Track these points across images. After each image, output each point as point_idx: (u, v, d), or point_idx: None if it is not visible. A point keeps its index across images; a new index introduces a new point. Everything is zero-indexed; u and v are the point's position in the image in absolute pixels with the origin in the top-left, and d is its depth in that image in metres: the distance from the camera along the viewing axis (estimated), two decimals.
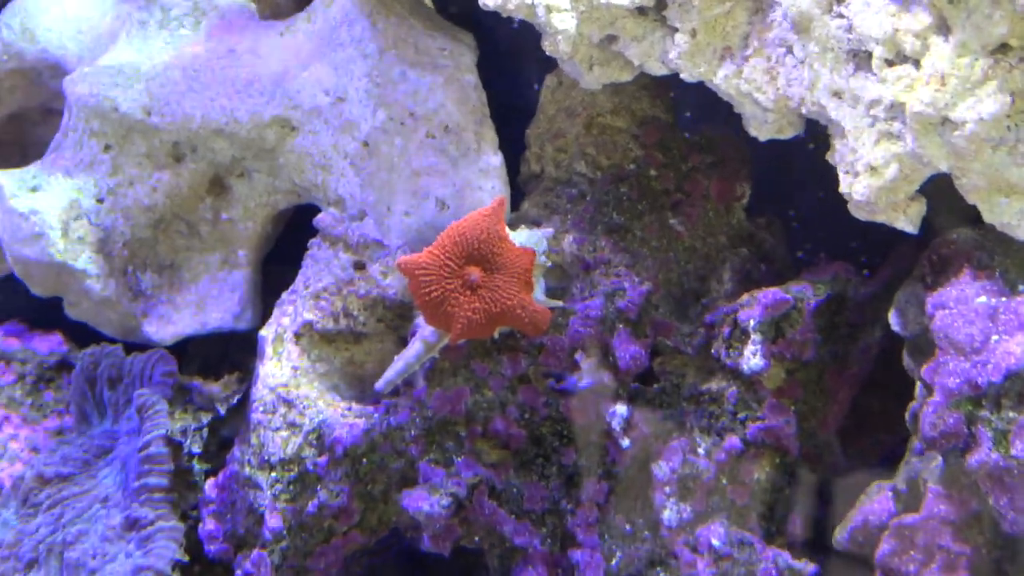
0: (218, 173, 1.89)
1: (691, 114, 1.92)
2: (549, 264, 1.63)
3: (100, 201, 1.86)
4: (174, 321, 1.89)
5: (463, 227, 1.56)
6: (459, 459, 1.62)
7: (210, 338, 1.95)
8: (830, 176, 1.57)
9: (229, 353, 1.99)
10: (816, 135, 1.64)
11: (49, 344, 2.05)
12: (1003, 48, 1.36)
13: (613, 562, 1.59)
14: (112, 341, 1.91)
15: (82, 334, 1.97)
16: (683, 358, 1.68)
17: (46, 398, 1.98)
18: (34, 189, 1.85)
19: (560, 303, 1.62)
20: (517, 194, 1.87)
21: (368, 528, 1.65)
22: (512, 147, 1.88)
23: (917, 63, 1.40)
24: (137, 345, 1.90)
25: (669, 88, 1.83)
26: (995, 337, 1.41)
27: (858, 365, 1.68)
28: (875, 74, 1.43)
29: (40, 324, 2.14)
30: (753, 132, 1.63)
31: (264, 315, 1.90)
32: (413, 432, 1.62)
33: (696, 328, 1.70)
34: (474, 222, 1.55)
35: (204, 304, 1.90)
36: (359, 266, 1.74)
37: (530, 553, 1.60)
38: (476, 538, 1.63)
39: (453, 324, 1.53)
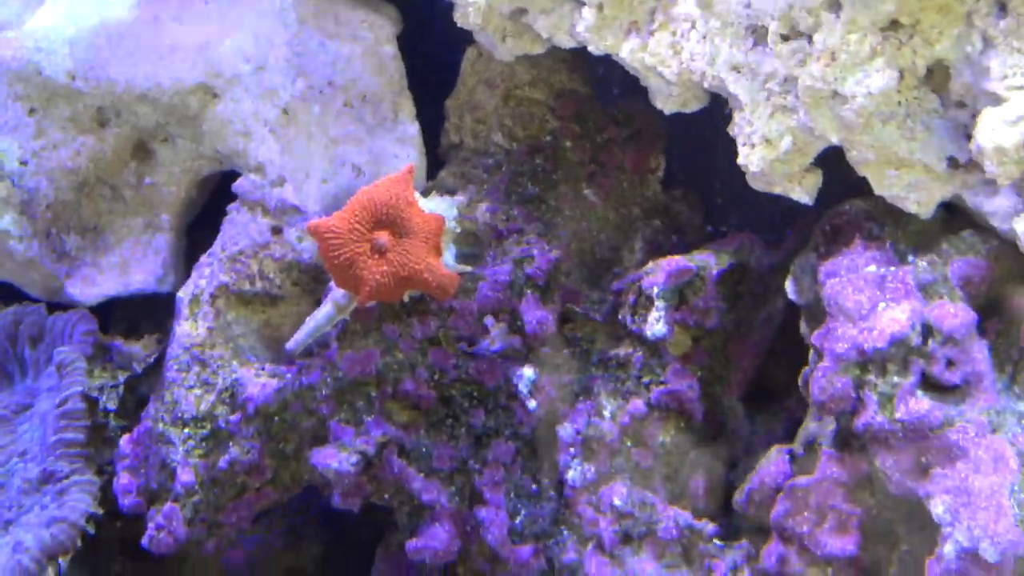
0: (142, 138, 1.90)
1: (617, 89, 1.95)
2: (459, 231, 1.66)
3: (24, 163, 1.87)
4: (97, 283, 1.91)
5: (373, 192, 1.58)
6: (369, 419, 1.64)
7: (136, 301, 1.96)
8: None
9: (154, 316, 2.00)
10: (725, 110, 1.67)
11: None
12: (893, 25, 1.40)
13: (517, 520, 1.63)
14: (37, 301, 1.92)
15: (7, 295, 1.98)
16: (593, 324, 1.72)
17: None
18: None
19: (469, 268, 1.65)
20: (437, 164, 1.90)
21: (281, 485, 1.68)
22: (434, 119, 1.91)
23: (810, 39, 1.44)
24: (61, 306, 1.91)
25: (587, 61, 1.86)
26: (882, 305, 1.46)
27: (761, 333, 1.72)
28: (771, 49, 1.47)
29: None
30: (659, 105, 1.67)
31: (184, 279, 1.92)
32: (324, 392, 1.64)
33: (605, 296, 1.73)
34: (384, 187, 1.58)
35: (127, 266, 1.91)
36: (276, 230, 1.77)
37: (437, 510, 1.63)
38: (385, 495, 1.66)
39: (361, 286, 1.56)
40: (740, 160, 1.55)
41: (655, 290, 1.64)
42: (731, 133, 1.59)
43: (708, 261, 1.67)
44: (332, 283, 1.66)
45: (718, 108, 1.67)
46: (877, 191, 1.49)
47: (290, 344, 1.62)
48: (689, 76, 1.59)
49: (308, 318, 1.63)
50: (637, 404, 1.64)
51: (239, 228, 1.76)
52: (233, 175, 1.91)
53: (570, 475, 1.64)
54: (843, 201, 1.59)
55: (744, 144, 1.55)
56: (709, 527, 1.61)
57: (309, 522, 2.00)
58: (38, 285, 1.92)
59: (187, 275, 1.92)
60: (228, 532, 1.68)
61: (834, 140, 1.47)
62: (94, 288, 1.91)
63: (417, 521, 1.66)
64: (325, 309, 1.62)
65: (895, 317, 1.43)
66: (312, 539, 1.99)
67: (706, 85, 1.59)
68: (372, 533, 1.95)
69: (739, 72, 1.54)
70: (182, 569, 1.87)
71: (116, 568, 1.80)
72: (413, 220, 1.57)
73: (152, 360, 1.78)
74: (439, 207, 1.64)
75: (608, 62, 1.73)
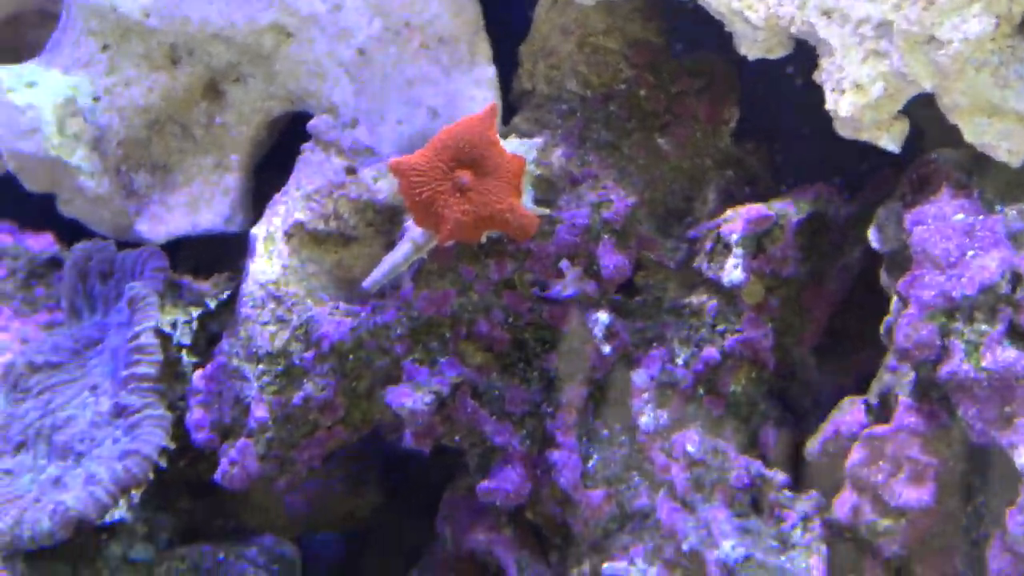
0: (214, 77, 1.89)
1: (684, 41, 1.93)
2: (538, 173, 1.65)
3: (96, 100, 1.87)
4: (166, 221, 1.91)
5: (455, 130, 1.57)
6: (443, 359, 1.64)
7: (202, 241, 1.96)
8: (814, 106, 1.59)
9: (221, 257, 2.00)
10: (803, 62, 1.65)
11: (41, 243, 2.06)
12: None
13: (590, 464, 1.62)
14: (104, 239, 1.92)
15: (75, 233, 1.98)
16: (665, 272, 1.71)
17: (37, 293, 1.99)
18: (31, 84, 1.86)
19: (547, 211, 1.63)
20: (509, 110, 1.88)
21: (352, 424, 1.68)
22: (506, 65, 1.90)
23: None
24: (129, 244, 1.91)
25: (661, 12, 1.84)
26: (971, 252, 1.44)
27: (836, 284, 1.71)
28: None
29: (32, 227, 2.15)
30: (743, 51, 1.65)
31: (255, 220, 1.92)
32: (399, 331, 1.64)
33: (679, 243, 1.72)
34: (466, 126, 1.57)
35: (196, 205, 1.91)
36: (350, 171, 1.76)
37: (509, 452, 1.63)
38: (456, 437, 1.65)
39: (442, 225, 1.55)
40: (828, 106, 1.54)
41: (734, 237, 1.63)
42: (817, 80, 1.57)
43: (787, 210, 1.65)
44: (408, 223, 1.65)
45: (789, 60, 1.66)
46: (968, 139, 1.47)
47: (367, 282, 1.61)
48: (776, 21, 1.58)
49: (385, 257, 1.62)
50: (711, 352, 1.63)
51: (314, 167, 1.75)
52: (302, 116, 1.90)
53: (643, 420, 1.63)
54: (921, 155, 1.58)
55: (833, 90, 1.53)
56: (780, 476, 1.60)
57: (368, 470, 2.00)
58: (107, 223, 1.92)
59: (254, 216, 1.91)
60: (299, 470, 1.68)
61: (927, 86, 1.45)
62: (163, 226, 1.91)
63: (488, 463, 1.65)
64: (403, 248, 1.61)
65: (984, 265, 1.42)
66: (371, 486, 1.99)
67: (793, 30, 1.57)
68: (431, 482, 1.95)
69: (830, 17, 1.52)
70: (244, 510, 1.87)
71: (182, 504, 1.80)
72: (495, 160, 1.56)
73: (225, 297, 1.78)
74: (519, 148, 1.63)
75: (681, 13, 1.71)
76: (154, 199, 1.91)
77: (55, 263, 2.02)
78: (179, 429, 1.71)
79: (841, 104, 1.52)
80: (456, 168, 1.55)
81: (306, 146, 1.80)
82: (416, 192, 1.55)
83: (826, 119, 1.59)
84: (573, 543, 1.66)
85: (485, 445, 1.65)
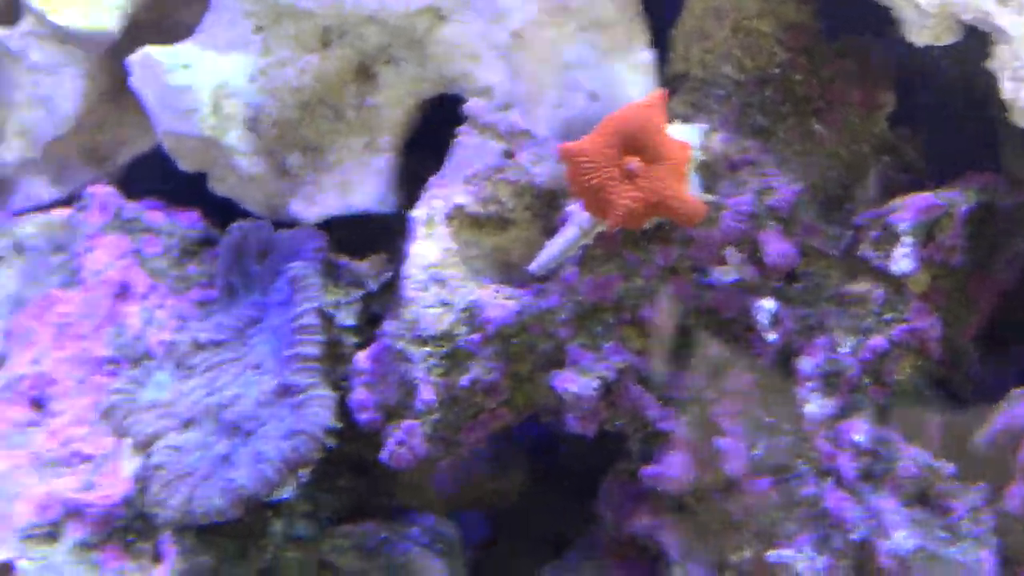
0: (364, 60, 1.90)
1: (837, 24, 1.91)
2: (703, 159, 1.64)
3: (251, 80, 1.88)
4: (318, 201, 1.92)
5: (624, 116, 1.57)
6: (607, 344, 1.64)
7: (348, 222, 1.97)
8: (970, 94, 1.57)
9: (367, 238, 2.01)
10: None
11: (188, 220, 2.08)
12: None
13: (756, 452, 1.62)
14: (256, 218, 1.93)
15: (226, 212, 2.00)
16: (828, 260, 1.69)
17: (190, 271, 2.01)
18: (187, 65, 1.87)
19: (712, 197, 1.63)
20: None
21: (515, 407, 1.68)
22: (655, 48, 1.88)
23: None
24: (281, 224, 1.92)
25: None
26: None
27: (1002, 274, 1.69)
28: None
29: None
30: (911, 37, 1.63)
31: (403, 201, 1.93)
32: (563, 316, 1.64)
33: (840, 231, 1.70)
34: (635, 112, 1.57)
35: (348, 186, 1.92)
36: (508, 154, 1.76)
37: (674, 438, 1.63)
38: (620, 422, 1.65)
39: (610, 211, 1.55)
40: (1005, 95, 1.51)
41: (903, 226, 1.62)
42: (990, 68, 1.55)
43: (956, 199, 1.64)
44: (572, 208, 1.65)
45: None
46: None
47: (533, 266, 1.62)
48: (947, 8, 1.56)
49: (550, 242, 1.63)
50: (879, 341, 1.62)
51: (471, 151, 1.76)
52: (452, 99, 1.91)
53: (808, 409, 1.62)
54: None
55: (1011, 79, 1.51)
56: (948, 467, 1.58)
57: (514, 450, 2.01)
58: (260, 202, 1.93)
59: (404, 197, 1.92)
60: (462, 452, 1.69)
61: None
62: (315, 207, 1.92)
63: (651, 448, 1.65)
64: (569, 233, 1.61)
65: None
66: (517, 467, 2.00)
67: (967, 17, 1.55)
68: (578, 465, 1.96)
69: (1006, 4, 1.50)
70: (398, 488, 1.89)
71: (341, 483, 1.82)
72: (663, 146, 1.56)
73: (386, 278, 1.79)
74: (685, 134, 1.62)
75: None
76: (307, 179, 1.92)
77: (206, 241, 2.04)
78: (339, 408, 1.71)
79: (1021, 93, 1.49)
80: (624, 154, 1.55)
81: (462, 129, 1.80)
82: (585, 178, 1.55)
83: (982, 106, 1.57)
84: (735, 529, 1.65)
85: (648, 430, 1.65)
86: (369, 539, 1.77)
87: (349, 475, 1.86)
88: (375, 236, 2.03)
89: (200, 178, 2.02)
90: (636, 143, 1.55)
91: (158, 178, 2.27)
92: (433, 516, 1.84)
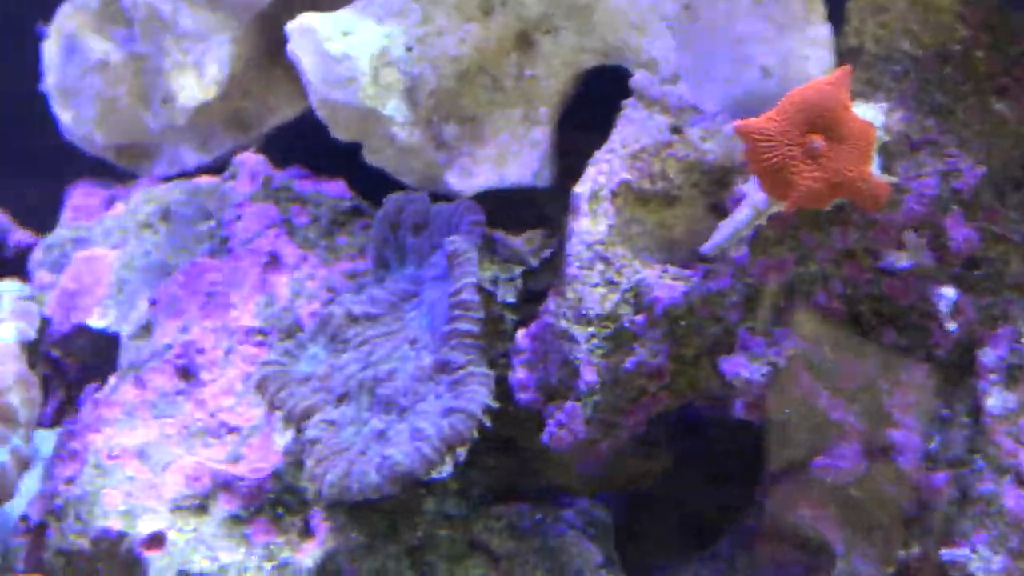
0: (525, 28, 1.90)
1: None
2: (886, 139, 1.62)
3: (409, 49, 1.90)
4: (475, 173, 1.93)
5: (806, 94, 1.55)
6: (778, 329, 1.63)
7: (493, 194, 1.98)
8: None
9: (511, 210, 2.02)
10: None
11: (337, 190, 2.11)
12: None
13: (931, 445, 1.60)
14: (407, 189, 1.95)
15: (378, 184, 2.02)
16: (1007, 245, 1.67)
17: (339, 241, 2.04)
18: (346, 33, 1.89)
19: (895, 179, 1.60)
20: None
21: (676, 391, 1.68)
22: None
23: None
24: (436, 196, 1.94)
25: None
26: None
27: None
28: None
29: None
30: None
31: (556, 175, 1.94)
32: (733, 298, 1.64)
33: (1021, 215, 1.67)
34: (818, 89, 1.55)
35: (504, 159, 1.93)
36: (676, 129, 1.75)
37: (845, 428, 1.62)
38: (787, 410, 1.64)
39: (791, 192, 1.53)
40: None
41: None
42: None
43: None
44: (745, 187, 1.65)
45: None
46: None
47: (706, 246, 1.61)
48: None
49: (724, 222, 1.62)
50: None
51: (637, 125, 1.76)
52: (610, 71, 1.91)
53: (989, 402, 1.60)
54: None
55: None
56: None
57: (660, 432, 2.00)
58: (416, 173, 1.95)
59: (560, 171, 1.93)
60: (622, 434, 1.70)
61: None
62: (471, 179, 1.93)
63: (820, 439, 1.64)
64: (744, 212, 1.60)
65: None
66: (662, 449, 2.00)
67: None
68: (723, 449, 1.96)
69: None
70: (546, 468, 1.90)
71: (489, 462, 1.84)
72: (847, 125, 1.54)
73: (547, 255, 1.80)
74: (867, 113, 1.60)
75: None
76: (463, 151, 1.94)
77: (356, 211, 2.07)
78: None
79: None
80: (807, 133, 1.53)
81: (628, 102, 1.80)
82: (764, 157, 1.54)
83: None
84: (905, 525, 1.64)
85: (817, 419, 1.64)
86: (523, 520, 1.78)
87: (497, 454, 1.87)
88: (519, 208, 2.05)
89: (338, 147, 2.04)
90: (819, 122, 1.53)
91: (299, 147, 2.31)
92: (587, 499, 1.84)
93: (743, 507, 1.88)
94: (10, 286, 1.99)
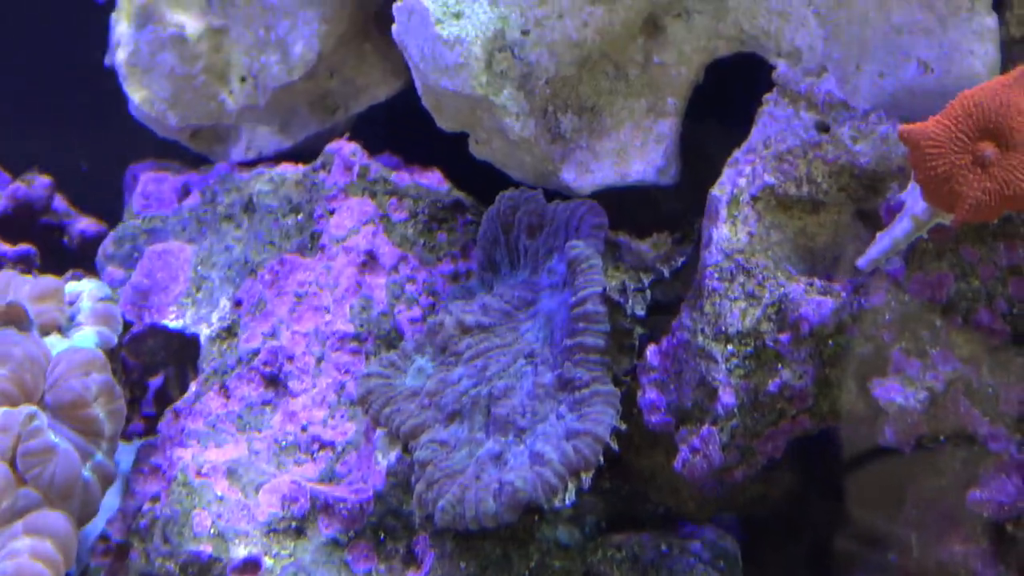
0: (654, 12, 1.94)
1: None
2: None
3: (525, 33, 1.93)
4: (592, 169, 1.98)
5: (978, 96, 1.59)
6: (934, 351, 1.67)
7: (610, 193, 2.02)
8: None
9: (626, 210, 2.06)
10: None
11: (435, 181, 2.16)
12: None
13: None
14: (516, 185, 2.00)
15: (482, 180, 2.07)
16: None
17: (439, 239, 2.10)
18: (458, 15, 1.93)
19: None
20: None
21: (818, 415, 1.73)
22: None
23: None
24: (548, 193, 1.99)
25: None
26: None
27: None
28: None
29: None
30: None
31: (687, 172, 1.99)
32: (888, 316, 1.68)
33: None
34: (991, 91, 1.59)
35: (626, 153, 1.98)
36: (822, 127, 1.80)
37: (1005, 460, 1.66)
38: (943, 437, 1.69)
39: (958, 204, 1.57)
40: None
41: None
42: None
43: None
44: (903, 195, 1.68)
45: None
46: None
47: (862, 261, 1.66)
48: None
49: (881, 234, 1.66)
50: None
51: (782, 123, 1.80)
52: (743, 59, 1.95)
53: None
54: None
55: None
56: None
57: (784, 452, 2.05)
58: (527, 168, 2.00)
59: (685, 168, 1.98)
60: (758, 461, 1.75)
61: None
62: (589, 176, 1.98)
63: (975, 469, 1.69)
64: (903, 224, 1.64)
65: None
66: (784, 470, 2.04)
67: None
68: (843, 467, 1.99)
69: None
70: (652, 488, 1.94)
71: (604, 485, 1.89)
72: (1022, 132, 1.57)
73: (680, 264, 1.85)
74: None
75: None
76: (580, 144, 1.98)
77: (457, 206, 2.12)
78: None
79: None
80: (978, 140, 1.57)
81: (769, 97, 1.85)
82: (931, 165, 1.58)
83: None
84: None
85: (973, 448, 1.68)
86: (647, 551, 1.82)
87: (611, 477, 1.92)
88: (634, 207, 2.09)
89: (431, 133, 2.10)
90: (993, 127, 1.57)
91: (387, 132, 2.37)
92: (713, 529, 1.89)
93: (876, 538, 1.92)
94: (88, 285, 2.04)
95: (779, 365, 1.70)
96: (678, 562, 1.80)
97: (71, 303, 2.01)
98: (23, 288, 1.97)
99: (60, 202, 2.56)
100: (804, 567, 2.11)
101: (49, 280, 2.01)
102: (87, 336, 1.95)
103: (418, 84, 1.99)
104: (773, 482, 2.05)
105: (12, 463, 1.77)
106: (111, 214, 2.51)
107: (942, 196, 1.60)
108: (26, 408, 1.80)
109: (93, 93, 2.52)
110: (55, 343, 1.92)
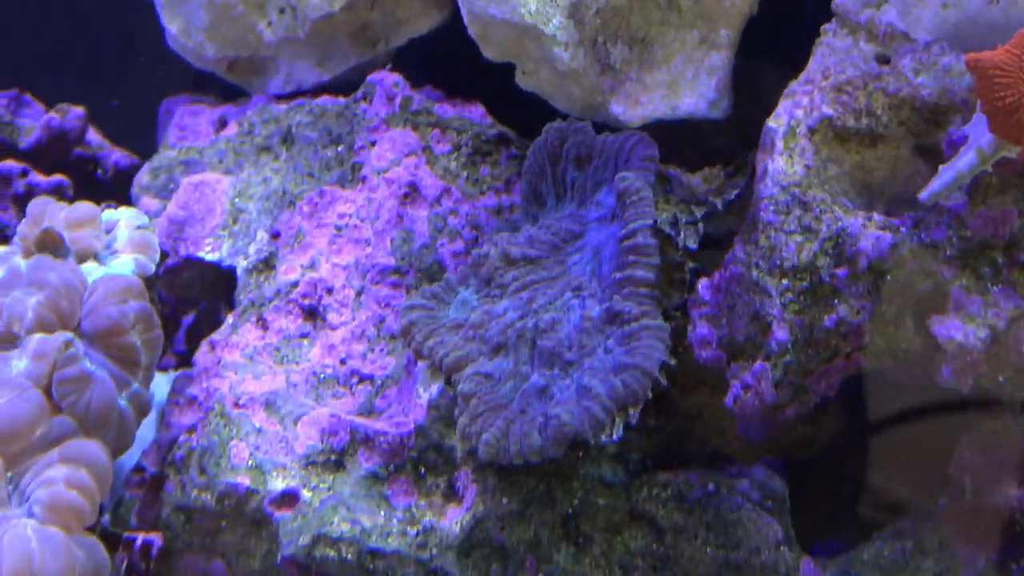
0: None
1: None
2: None
3: None
4: (643, 102, 1.94)
5: None
6: (996, 288, 1.64)
7: (658, 127, 1.98)
8: None
9: (673, 144, 2.02)
10: None
11: (478, 114, 2.12)
12: None
13: None
14: (563, 118, 1.96)
15: (526, 111, 2.04)
16: None
17: (483, 172, 2.06)
18: None
19: None
20: None
21: (873, 352, 1.70)
22: None
23: None
24: (596, 125, 1.95)
25: None
26: None
27: None
28: None
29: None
30: None
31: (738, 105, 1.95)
32: (948, 252, 1.64)
33: None
34: None
35: (676, 86, 1.94)
36: (883, 59, 1.76)
37: None
38: (1002, 378, 1.65)
39: None
40: None
41: None
42: None
43: None
44: (967, 128, 1.64)
45: None
46: None
47: (924, 194, 1.62)
48: None
49: (944, 167, 1.62)
50: None
51: (841, 54, 1.77)
52: None
53: None
54: None
55: None
56: None
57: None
58: (575, 100, 1.96)
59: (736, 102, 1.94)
60: (811, 399, 1.71)
61: None
62: (639, 108, 1.94)
63: None
64: (967, 157, 1.60)
65: None
66: (830, 413, 2.01)
67: None
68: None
69: None
70: (704, 425, 1.91)
71: (650, 423, 1.86)
72: None
73: (733, 197, 1.81)
74: None
75: None
76: (630, 76, 1.95)
77: (501, 139, 2.08)
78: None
79: None
80: None
81: (827, 27, 1.81)
82: (999, 95, 1.54)
83: None
84: None
85: None
86: (694, 490, 1.79)
87: (656, 414, 1.89)
88: (682, 141, 2.06)
89: (475, 66, 2.06)
90: None
91: (426, 65, 2.33)
92: (762, 468, 1.85)
93: (926, 483, 1.89)
94: (125, 213, 2.01)
95: (835, 300, 1.66)
96: (726, 501, 1.77)
97: (108, 231, 1.98)
98: (59, 215, 1.94)
99: (93, 135, 2.52)
100: (848, 512, 2.07)
101: (86, 206, 1.97)
102: (124, 263, 1.92)
103: (464, 12, 1.96)
104: (821, 425, 2.02)
105: (47, 391, 1.73)
106: (144, 151, 2.47)
107: (1009, 127, 1.56)
108: (62, 335, 1.76)
109: (126, 29, 2.48)
110: (91, 270, 1.88)
